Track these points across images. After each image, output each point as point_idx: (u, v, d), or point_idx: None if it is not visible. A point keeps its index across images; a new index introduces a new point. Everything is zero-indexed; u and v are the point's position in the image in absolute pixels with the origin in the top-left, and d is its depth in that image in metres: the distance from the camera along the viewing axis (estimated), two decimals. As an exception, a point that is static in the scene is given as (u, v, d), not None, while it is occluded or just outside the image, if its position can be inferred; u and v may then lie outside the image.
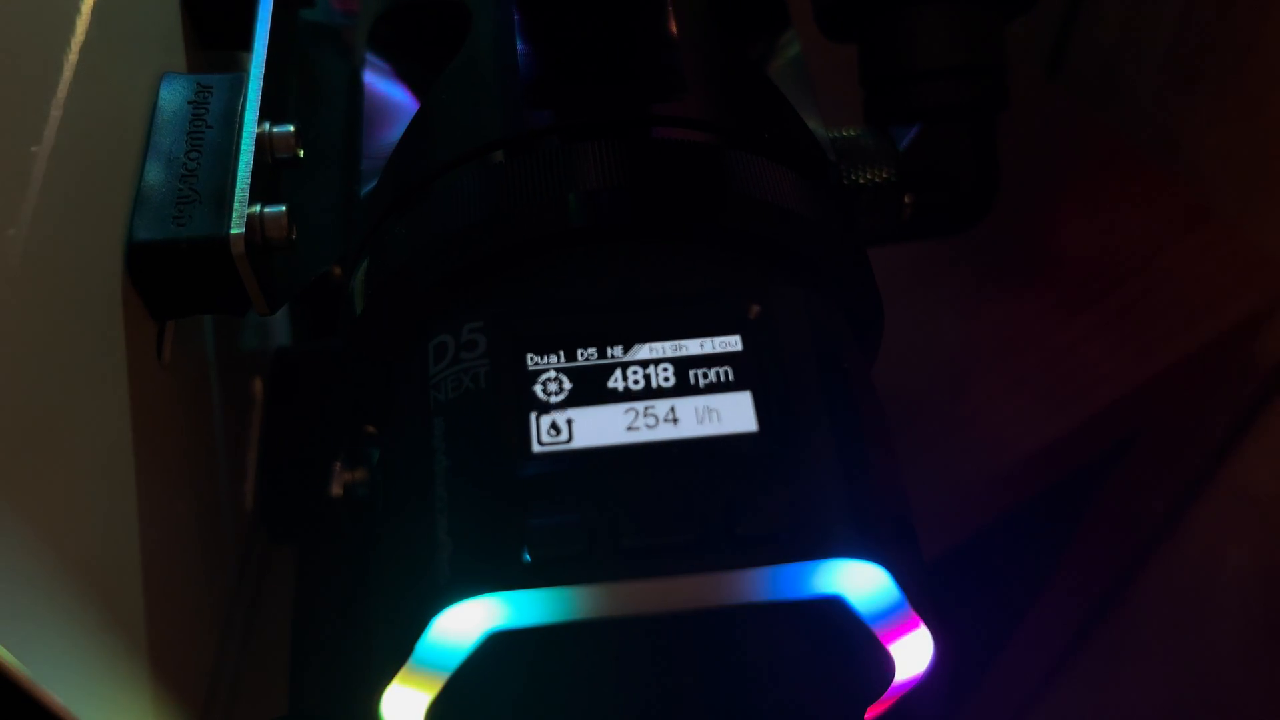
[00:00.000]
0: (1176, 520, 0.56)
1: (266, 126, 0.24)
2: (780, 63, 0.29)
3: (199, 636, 0.27)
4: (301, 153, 0.24)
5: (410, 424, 0.20)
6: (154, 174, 0.22)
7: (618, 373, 0.20)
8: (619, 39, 0.25)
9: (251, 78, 0.24)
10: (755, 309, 0.20)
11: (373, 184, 0.25)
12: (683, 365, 0.20)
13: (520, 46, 0.25)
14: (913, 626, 0.19)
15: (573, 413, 0.19)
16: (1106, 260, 0.44)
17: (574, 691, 0.19)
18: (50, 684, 0.17)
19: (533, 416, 0.19)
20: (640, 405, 0.20)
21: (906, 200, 0.28)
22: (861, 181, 0.28)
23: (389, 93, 0.28)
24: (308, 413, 0.30)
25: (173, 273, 0.22)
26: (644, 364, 0.20)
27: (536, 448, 0.19)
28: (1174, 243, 0.44)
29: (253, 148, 0.23)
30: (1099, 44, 0.49)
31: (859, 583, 0.19)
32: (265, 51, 0.25)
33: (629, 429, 0.19)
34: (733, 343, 0.20)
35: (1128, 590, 0.61)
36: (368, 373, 0.23)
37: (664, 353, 0.20)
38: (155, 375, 0.23)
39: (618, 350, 0.20)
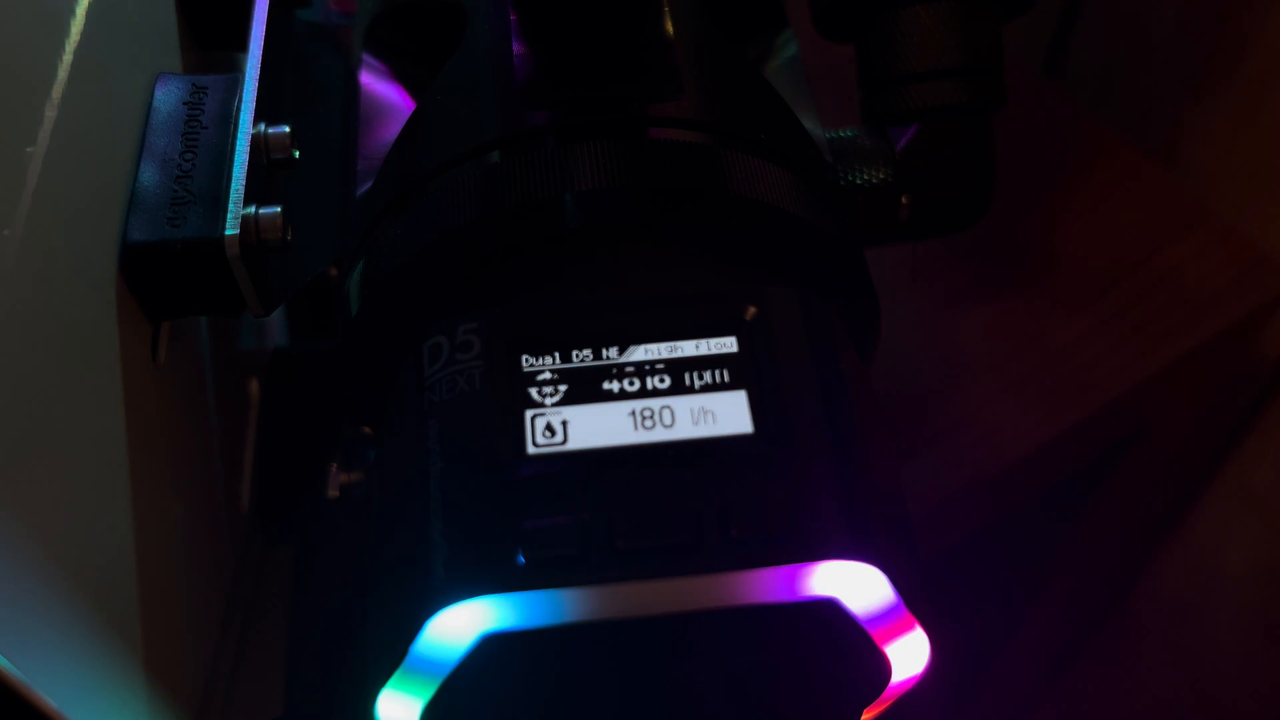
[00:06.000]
0: (1176, 520, 0.56)
1: (262, 127, 0.24)
2: (777, 63, 0.29)
3: (195, 638, 0.26)
4: (297, 153, 0.24)
5: (405, 425, 0.20)
6: (148, 175, 0.22)
7: (613, 374, 0.20)
8: (615, 40, 0.25)
9: (247, 78, 0.24)
10: (751, 310, 0.20)
11: (369, 184, 0.25)
12: (678, 366, 0.20)
13: (516, 47, 0.25)
14: (909, 628, 0.19)
15: (568, 414, 0.19)
16: (1106, 260, 0.44)
17: (569, 694, 0.19)
18: (43, 687, 0.17)
19: (528, 417, 0.19)
20: (636, 406, 0.19)
21: (904, 201, 0.28)
22: (859, 182, 0.28)
23: (385, 93, 0.28)
24: (304, 414, 0.30)
25: (167, 274, 0.22)
26: (639, 365, 0.20)
27: (531, 449, 0.19)
28: (1174, 243, 0.44)
29: (248, 149, 0.23)
30: (1099, 44, 0.49)
31: (854, 584, 0.18)
32: (261, 52, 0.25)
33: (624, 430, 0.19)
34: (728, 344, 0.20)
35: (1128, 590, 0.61)
36: (363, 374, 0.23)
37: (659, 354, 0.20)
38: (151, 376, 0.23)
39: (613, 351, 0.20)
